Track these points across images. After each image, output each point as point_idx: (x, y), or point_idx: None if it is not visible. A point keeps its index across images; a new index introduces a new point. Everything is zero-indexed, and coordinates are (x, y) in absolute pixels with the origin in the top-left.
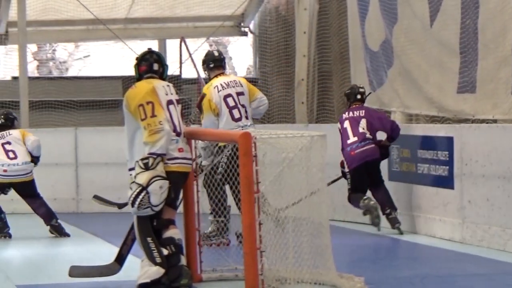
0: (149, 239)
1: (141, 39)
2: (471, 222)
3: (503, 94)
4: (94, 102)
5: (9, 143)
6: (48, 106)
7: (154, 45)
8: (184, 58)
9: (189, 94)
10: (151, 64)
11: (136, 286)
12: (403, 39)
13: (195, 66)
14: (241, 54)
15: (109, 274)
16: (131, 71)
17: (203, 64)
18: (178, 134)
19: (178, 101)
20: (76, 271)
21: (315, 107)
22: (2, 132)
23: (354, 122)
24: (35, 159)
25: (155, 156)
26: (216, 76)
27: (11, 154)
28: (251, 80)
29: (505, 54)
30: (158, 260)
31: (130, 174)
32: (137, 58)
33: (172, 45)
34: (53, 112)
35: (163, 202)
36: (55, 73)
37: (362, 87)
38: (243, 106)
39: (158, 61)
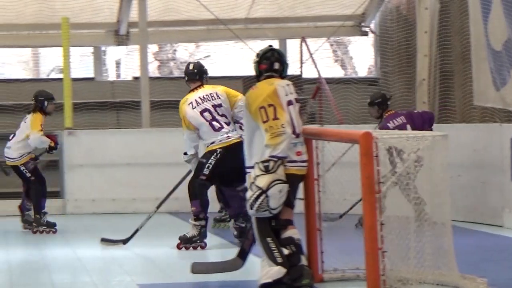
0: (269, 240)
1: (261, 39)
2: None
3: None
4: None
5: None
6: (169, 106)
7: (274, 45)
8: (305, 58)
9: (309, 94)
10: (272, 63)
11: (258, 286)
12: None
13: (315, 65)
14: (362, 53)
15: (232, 269)
16: (251, 71)
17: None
18: (297, 136)
19: (296, 100)
20: (198, 268)
21: (437, 107)
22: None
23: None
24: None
25: (276, 159)
26: (193, 90)
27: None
28: (372, 80)
29: None
30: (279, 260)
31: (249, 173)
32: (257, 55)
33: (293, 45)
34: (174, 112)
35: (281, 205)
36: (176, 73)
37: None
38: (222, 115)
39: (279, 60)
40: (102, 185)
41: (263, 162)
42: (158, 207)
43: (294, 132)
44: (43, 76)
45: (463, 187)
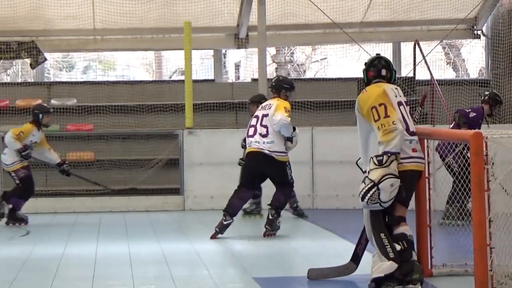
0: (382, 235)
1: (376, 42)
2: None
3: None
4: (330, 103)
5: None
6: None
7: (388, 48)
8: (418, 60)
9: (421, 95)
10: (379, 70)
11: (371, 280)
12: None
13: (428, 68)
14: (474, 56)
15: (347, 273)
16: None
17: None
18: (412, 134)
19: (406, 103)
20: (315, 273)
21: None
22: None
23: None
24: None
25: (389, 154)
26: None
27: None
28: (483, 82)
29: None
30: (392, 255)
31: (366, 177)
32: (365, 64)
33: (406, 48)
34: (292, 112)
35: (392, 199)
36: (293, 75)
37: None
38: (263, 126)
39: (386, 67)
40: (220, 182)
41: (377, 156)
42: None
43: (407, 130)
44: (166, 78)
45: None
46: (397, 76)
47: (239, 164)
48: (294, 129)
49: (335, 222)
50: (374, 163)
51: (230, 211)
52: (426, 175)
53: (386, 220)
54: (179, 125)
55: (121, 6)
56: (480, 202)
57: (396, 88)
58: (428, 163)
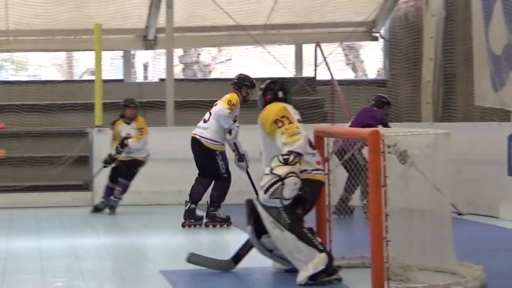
0: (305, 230)
1: (279, 44)
2: None
3: None
4: None
5: None
6: (192, 106)
7: (291, 50)
8: (319, 62)
9: (323, 95)
10: (276, 93)
11: (307, 277)
12: None
13: (329, 69)
14: (372, 57)
15: (224, 269)
16: (269, 74)
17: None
18: (314, 148)
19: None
20: (194, 258)
21: (440, 107)
22: None
23: None
24: None
25: (295, 154)
26: None
27: None
28: (380, 82)
29: None
30: (321, 247)
31: (271, 171)
32: (261, 89)
33: (308, 49)
34: (197, 111)
35: (292, 199)
36: (199, 75)
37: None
38: (210, 113)
39: (282, 89)
40: None
41: (283, 155)
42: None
43: (310, 144)
44: (76, 78)
45: (463, 181)
46: (299, 76)
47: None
48: (234, 121)
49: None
50: (280, 161)
51: (192, 197)
52: (326, 171)
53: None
54: (89, 124)
55: (34, 8)
56: (377, 197)
57: (293, 108)
58: (328, 160)
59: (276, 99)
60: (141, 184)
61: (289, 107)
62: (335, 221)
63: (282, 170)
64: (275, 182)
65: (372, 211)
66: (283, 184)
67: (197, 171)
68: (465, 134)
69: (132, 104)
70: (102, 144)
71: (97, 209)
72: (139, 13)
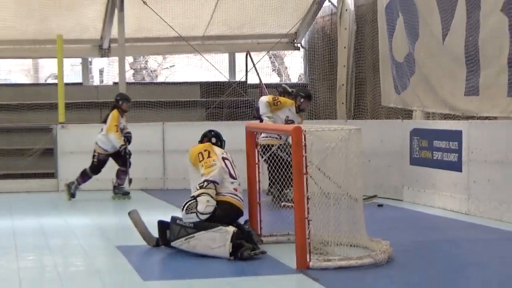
0: (208, 223)
1: (215, 53)
2: (475, 198)
3: (501, 97)
4: (178, 103)
5: None
6: (142, 106)
7: (225, 58)
8: (249, 68)
9: (252, 96)
10: (210, 139)
11: (230, 252)
12: (422, 53)
13: (258, 74)
14: (294, 64)
15: (146, 242)
16: (207, 78)
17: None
18: (234, 178)
19: (232, 161)
20: (132, 215)
21: (352, 106)
22: None
23: None
24: None
25: (209, 181)
26: None
27: None
28: (302, 85)
29: (502, 65)
30: (219, 226)
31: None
32: (201, 136)
33: (240, 57)
34: (146, 110)
35: (208, 214)
36: (147, 80)
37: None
38: None
39: (216, 136)
40: None
41: (199, 184)
42: None
43: (231, 175)
44: (42, 81)
45: (372, 169)
46: (232, 80)
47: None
48: (288, 121)
49: (182, 199)
50: (197, 188)
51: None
52: (256, 161)
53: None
54: (54, 121)
55: (4, 22)
56: (300, 183)
57: (225, 152)
58: (258, 151)
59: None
60: (104, 172)
61: (217, 148)
62: (265, 204)
63: (197, 193)
64: (190, 201)
65: (295, 195)
66: (196, 201)
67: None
68: (374, 129)
69: (129, 99)
70: (65, 138)
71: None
72: (95, 26)
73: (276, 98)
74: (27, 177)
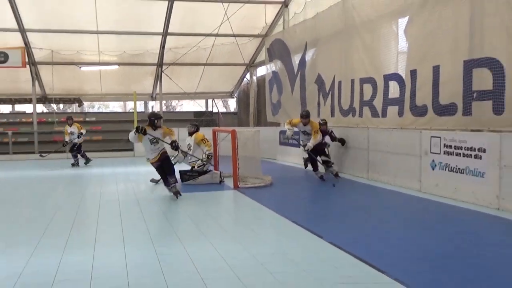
0: (203, 171)
1: (201, 99)
2: None
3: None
4: (182, 121)
5: None
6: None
7: (203, 102)
8: (215, 106)
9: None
10: (198, 128)
11: (218, 180)
12: (283, 99)
13: (218, 108)
14: (232, 103)
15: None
16: (197, 109)
17: None
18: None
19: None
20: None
21: (255, 121)
22: None
23: None
24: None
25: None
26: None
27: None
28: (234, 113)
29: (315, 105)
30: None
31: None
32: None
33: (211, 102)
34: (168, 124)
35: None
36: (171, 109)
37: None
38: None
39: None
40: None
41: (207, 155)
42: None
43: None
44: (127, 110)
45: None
46: (208, 111)
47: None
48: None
49: None
50: (208, 156)
51: None
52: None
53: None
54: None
55: (117, 86)
56: (234, 154)
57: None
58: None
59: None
60: None
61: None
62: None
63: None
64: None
65: (233, 158)
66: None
67: None
68: (265, 131)
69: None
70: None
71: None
72: (149, 86)
73: (291, 121)
74: (122, 150)
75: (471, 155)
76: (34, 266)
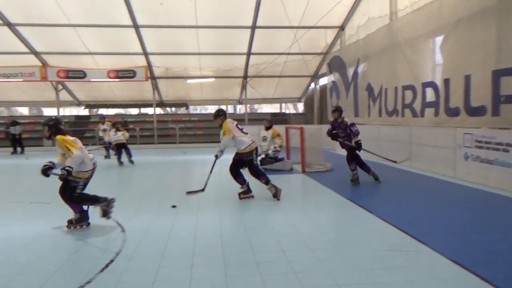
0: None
1: (276, 103)
2: None
3: (367, 115)
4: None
5: None
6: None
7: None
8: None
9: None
10: (224, 115)
11: (289, 168)
12: (341, 103)
13: (288, 110)
14: (300, 107)
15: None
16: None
17: None
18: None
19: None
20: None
21: (318, 119)
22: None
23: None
24: None
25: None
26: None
27: None
28: (302, 113)
29: (367, 105)
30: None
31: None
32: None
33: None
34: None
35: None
36: (252, 110)
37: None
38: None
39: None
40: None
41: (279, 145)
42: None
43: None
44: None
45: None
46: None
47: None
48: None
49: None
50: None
51: None
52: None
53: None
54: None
55: (212, 94)
56: (302, 146)
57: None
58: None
59: (271, 126)
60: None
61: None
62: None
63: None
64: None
65: (301, 149)
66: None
67: None
68: (327, 128)
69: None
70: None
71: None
72: (238, 93)
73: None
74: (217, 142)
75: (499, 149)
76: (177, 225)
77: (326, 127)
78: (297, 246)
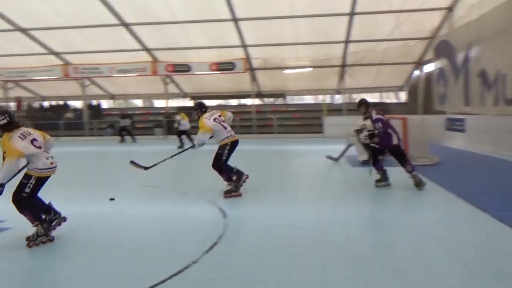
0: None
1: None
2: None
3: (476, 104)
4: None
5: None
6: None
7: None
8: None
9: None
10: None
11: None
12: (449, 91)
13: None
14: (401, 96)
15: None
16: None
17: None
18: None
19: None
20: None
21: (423, 109)
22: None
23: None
24: None
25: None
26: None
27: None
28: (404, 103)
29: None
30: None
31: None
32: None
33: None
34: None
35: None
36: None
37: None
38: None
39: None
40: None
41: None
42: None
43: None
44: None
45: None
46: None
47: None
48: None
49: None
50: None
51: None
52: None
53: None
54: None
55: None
56: (405, 139)
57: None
58: None
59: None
60: None
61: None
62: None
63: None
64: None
65: (404, 140)
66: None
67: None
68: (433, 119)
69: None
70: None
71: None
72: (333, 86)
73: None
74: (314, 132)
75: None
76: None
77: (432, 117)
78: (403, 243)
